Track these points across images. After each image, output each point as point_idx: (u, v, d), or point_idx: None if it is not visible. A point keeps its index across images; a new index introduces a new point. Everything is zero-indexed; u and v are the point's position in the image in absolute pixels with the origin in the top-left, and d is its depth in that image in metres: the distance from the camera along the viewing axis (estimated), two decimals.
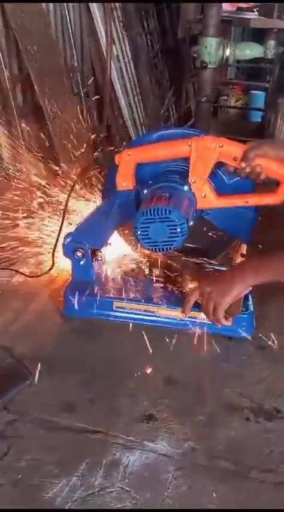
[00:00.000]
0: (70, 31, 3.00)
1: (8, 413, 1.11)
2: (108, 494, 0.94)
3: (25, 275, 1.64)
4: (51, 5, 2.89)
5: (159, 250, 1.24)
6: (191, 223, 1.27)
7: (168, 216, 1.19)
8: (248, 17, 3.14)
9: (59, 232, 1.54)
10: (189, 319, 1.35)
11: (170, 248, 1.23)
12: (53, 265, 1.60)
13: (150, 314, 1.39)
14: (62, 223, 1.54)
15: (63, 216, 1.54)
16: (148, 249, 1.27)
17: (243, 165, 1.22)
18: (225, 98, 4.75)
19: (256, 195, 1.32)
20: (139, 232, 1.22)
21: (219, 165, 1.29)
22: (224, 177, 1.37)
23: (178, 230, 1.19)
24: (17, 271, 1.66)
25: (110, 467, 0.99)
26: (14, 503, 0.91)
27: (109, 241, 1.48)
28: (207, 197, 1.31)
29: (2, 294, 1.61)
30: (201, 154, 1.25)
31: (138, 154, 1.32)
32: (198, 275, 1.37)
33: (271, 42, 3.03)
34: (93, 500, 0.92)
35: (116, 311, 1.40)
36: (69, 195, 1.53)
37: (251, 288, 1.22)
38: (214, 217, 1.39)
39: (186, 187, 1.29)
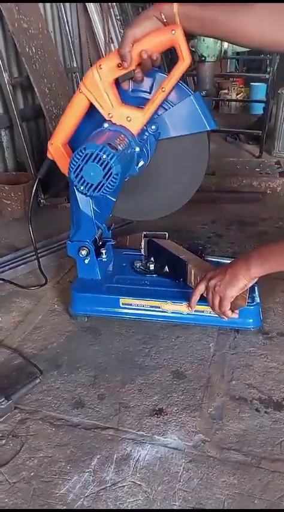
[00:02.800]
0: (68, 31, 3.00)
1: (19, 412, 1.12)
2: (120, 488, 0.94)
3: (18, 285, 1.66)
4: (47, 5, 2.90)
5: (107, 187, 1.18)
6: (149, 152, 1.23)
7: (83, 152, 1.14)
8: None
9: (34, 243, 1.53)
10: (196, 312, 1.36)
11: (114, 180, 1.16)
12: (45, 282, 1.65)
13: (156, 309, 1.39)
14: (31, 232, 1.51)
15: (30, 222, 1.50)
16: (103, 193, 1.20)
17: (127, 64, 1.16)
18: (226, 91, 4.74)
19: (166, 78, 1.23)
20: (77, 186, 1.20)
21: (118, 84, 1.25)
22: (127, 92, 1.29)
23: (104, 157, 1.13)
24: (10, 282, 1.67)
25: (121, 462, 1.00)
26: (27, 500, 0.92)
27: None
28: (132, 118, 1.25)
29: (10, 293, 1.63)
30: (92, 89, 1.22)
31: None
32: (203, 268, 1.37)
33: None
34: (105, 495, 0.93)
35: (123, 308, 1.41)
36: (31, 198, 1.48)
37: (256, 280, 1.22)
38: (164, 130, 1.32)
39: (106, 125, 1.25)
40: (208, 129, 1.31)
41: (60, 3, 2.93)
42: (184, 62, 1.19)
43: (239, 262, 1.21)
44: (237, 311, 1.28)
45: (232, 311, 1.26)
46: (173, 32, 1.14)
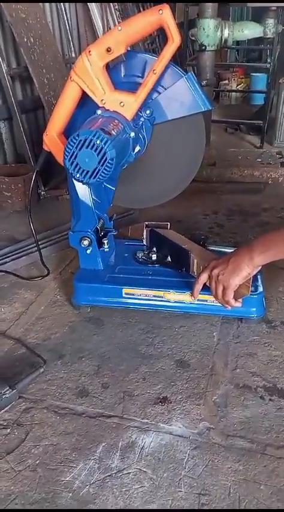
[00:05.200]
0: (66, 21, 2.97)
1: (23, 401, 1.12)
2: (126, 475, 0.95)
3: (20, 277, 1.65)
4: None
5: (103, 172, 1.17)
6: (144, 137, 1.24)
7: (77, 138, 1.14)
8: None
9: (34, 235, 1.53)
10: (199, 302, 1.35)
11: (109, 165, 1.15)
12: (48, 273, 1.64)
13: (159, 299, 1.38)
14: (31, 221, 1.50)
15: (30, 214, 1.49)
16: (100, 180, 1.18)
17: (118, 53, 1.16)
18: (226, 82, 4.70)
19: (157, 60, 1.22)
20: (73, 173, 1.18)
21: (109, 69, 1.24)
22: (119, 77, 1.29)
23: (98, 142, 1.12)
24: (11, 273, 1.67)
25: (126, 449, 1.00)
26: (33, 487, 0.92)
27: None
28: (124, 103, 1.23)
29: (13, 285, 1.62)
30: (83, 76, 1.21)
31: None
32: (206, 258, 1.37)
33: (270, 21, 2.97)
34: (111, 482, 0.93)
35: (125, 298, 1.40)
36: (31, 190, 1.49)
37: (260, 268, 1.21)
38: (159, 115, 1.30)
39: (99, 111, 1.24)
40: (203, 109, 1.29)
41: (61, 2, 2.90)
42: (174, 42, 1.18)
43: (242, 251, 1.21)
44: (240, 300, 1.28)
45: (236, 300, 1.26)
46: (161, 11, 1.13)
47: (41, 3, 2.70)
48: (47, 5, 2.86)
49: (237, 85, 4.75)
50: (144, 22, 1.19)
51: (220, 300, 1.27)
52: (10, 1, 2.27)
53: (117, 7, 3.55)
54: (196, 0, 2.75)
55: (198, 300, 1.35)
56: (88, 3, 3.21)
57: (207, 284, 1.29)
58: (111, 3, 3.40)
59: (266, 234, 1.21)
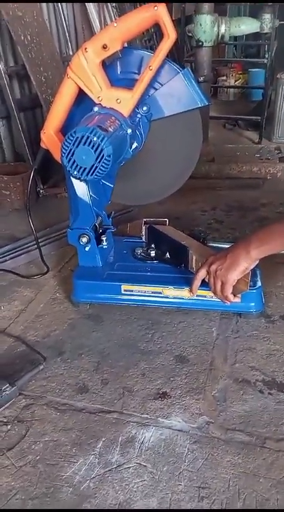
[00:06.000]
0: (63, 19, 2.97)
1: (23, 397, 1.13)
2: (126, 470, 0.95)
3: (20, 275, 1.66)
4: None
5: (100, 169, 1.17)
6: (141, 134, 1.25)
7: (74, 136, 1.14)
8: None
9: (34, 233, 1.53)
10: (197, 297, 1.36)
11: (107, 161, 1.16)
12: (47, 271, 1.65)
13: (158, 295, 1.39)
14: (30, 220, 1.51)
15: (29, 212, 1.50)
16: (97, 177, 1.19)
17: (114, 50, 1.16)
18: (224, 78, 4.69)
19: (153, 56, 1.22)
20: (70, 170, 1.19)
21: (105, 66, 1.24)
22: (116, 74, 1.29)
23: (95, 139, 1.13)
24: (11, 271, 1.67)
25: (126, 444, 1.01)
26: (34, 483, 0.93)
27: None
28: (121, 100, 1.23)
29: (12, 283, 1.63)
30: (80, 74, 1.21)
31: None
32: (204, 254, 1.37)
33: (267, 16, 2.97)
34: (111, 477, 0.94)
35: (124, 294, 1.41)
36: (29, 188, 1.49)
37: (257, 262, 1.21)
38: (156, 111, 1.31)
39: (95, 108, 1.24)
40: (200, 105, 1.29)
41: (58, 2, 2.89)
42: (169, 38, 1.18)
43: (239, 245, 1.21)
44: (239, 295, 1.28)
45: (234, 295, 1.26)
46: (156, 8, 1.14)
47: (37, 2, 2.70)
48: (43, 3, 2.85)
49: (235, 81, 4.74)
50: (139, 18, 1.19)
51: (219, 296, 1.27)
52: (9, 1, 2.27)
53: (114, 5, 3.55)
54: (194, 0, 2.74)
55: (197, 295, 1.35)
56: (85, 2, 3.21)
57: (206, 280, 1.29)
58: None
59: (263, 227, 1.21)
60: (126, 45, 1.25)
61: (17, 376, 1.15)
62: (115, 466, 0.96)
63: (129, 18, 1.20)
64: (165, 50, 1.20)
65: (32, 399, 1.13)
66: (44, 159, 1.39)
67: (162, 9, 1.15)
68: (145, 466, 0.96)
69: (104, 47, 1.19)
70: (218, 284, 1.24)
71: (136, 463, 0.97)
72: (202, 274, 1.28)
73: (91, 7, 3.22)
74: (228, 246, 1.30)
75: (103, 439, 1.02)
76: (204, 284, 1.30)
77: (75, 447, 1.00)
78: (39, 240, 1.64)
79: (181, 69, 1.28)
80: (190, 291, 1.34)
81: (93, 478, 0.94)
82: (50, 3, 2.91)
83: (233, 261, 1.20)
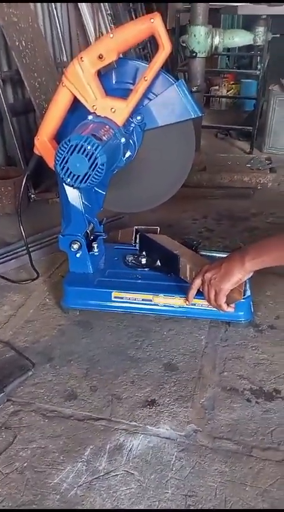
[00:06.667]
0: (58, 25, 2.99)
1: (11, 404, 1.12)
2: (113, 477, 0.95)
3: (9, 280, 1.65)
4: None
5: (94, 178, 1.18)
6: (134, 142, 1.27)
7: (68, 144, 1.15)
8: (236, 4, 3.13)
9: (24, 238, 1.53)
10: (187, 305, 1.36)
11: (100, 170, 1.17)
12: (37, 276, 1.65)
13: (148, 303, 1.39)
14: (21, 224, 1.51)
15: (20, 217, 1.49)
16: (90, 184, 1.20)
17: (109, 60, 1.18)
18: (217, 87, 4.75)
19: (148, 67, 1.23)
20: (64, 178, 1.20)
21: (100, 75, 1.26)
22: (111, 83, 1.31)
23: (89, 148, 1.14)
24: (1, 276, 1.67)
25: (114, 451, 1.01)
26: (21, 490, 0.92)
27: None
28: (116, 109, 1.25)
29: (1, 288, 1.62)
30: (75, 82, 1.22)
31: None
32: (196, 262, 1.38)
33: (260, 29, 3.02)
34: (98, 484, 0.94)
35: (114, 301, 1.41)
36: (21, 193, 1.48)
37: (252, 274, 1.22)
38: (150, 121, 1.32)
39: (90, 117, 1.26)
40: (193, 116, 1.31)
41: (52, 3, 2.91)
42: (165, 49, 1.20)
43: (235, 256, 1.22)
44: (233, 305, 1.28)
45: (228, 305, 1.26)
46: (152, 20, 1.16)
47: (32, 7, 2.71)
48: (39, 8, 2.87)
49: (227, 91, 4.80)
50: (135, 30, 1.21)
51: (213, 304, 1.27)
52: (6, 1, 2.28)
53: (109, 12, 3.58)
54: (189, 0, 2.77)
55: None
56: (80, 8, 3.23)
57: (200, 289, 1.30)
58: (102, 8, 3.43)
59: (260, 240, 1.22)
60: (121, 55, 1.27)
61: (5, 382, 1.15)
62: (102, 473, 0.96)
63: (125, 30, 1.21)
64: (160, 62, 1.22)
65: (20, 405, 1.12)
66: (36, 164, 1.40)
67: (157, 22, 1.17)
68: (132, 473, 0.96)
69: (100, 57, 1.20)
70: (212, 293, 1.25)
71: (124, 470, 0.97)
72: (197, 283, 1.29)
73: (86, 13, 3.25)
74: (222, 255, 1.32)
75: (91, 447, 1.02)
76: (197, 293, 1.31)
77: (62, 454, 1.00)
78: (29, 245, 1.64)
79: (175, 80, 1.30)
80: (186, 299, 1.34)
81: (81, 485, 0.94)
82: (45, 9, 2.93)
83: (228, 271, 1.21)
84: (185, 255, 1.43)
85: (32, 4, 2.71)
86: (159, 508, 0.89)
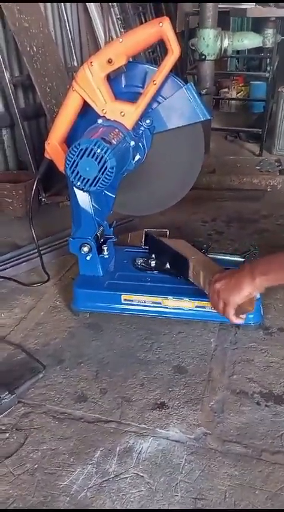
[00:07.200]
0: (68, 30, 3.02)
1: (22, 406, 1.14)
2: (123, 480, 0.96)
3: (21, 283, 1.67)
4: (48, 4, 2.91)
5: (104, 181, 1.19)
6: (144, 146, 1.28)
7: (78, 147, 1.16)
8: (245, 6, 3.13)
9: (36, 241, 1.54)
10: (197, 308, 1.37)
11: (110, 173, 1.18)
12: (48, 279, 1.66)
13: (157, 305, 1.40)
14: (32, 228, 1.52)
15: (31, 221, 1.51)
16: (100, 188, 1.21)
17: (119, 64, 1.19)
18: (226, 90, 4.74)
19: (157, 71, 1.24)
20: (74, 181, 1.21)
21: (110, 79, 1.27)
22: (120, 87, 1.32)
23: (98, 151, 1.15)
24: (11, 279, 1.68)
25: (124, 454, 1.01)
26: (31, 491, 0.93)
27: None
28: (125, 113, 1.26)
29: (13, 290, 1.64)
30: (85, 86, 1.24)
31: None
32: (205, 265, 1.37)
33: (269, 31, 3.01)
34: (108, 487, 0.94)
35: (124, 304, 1.42)
36: (32, 197, 1.51)
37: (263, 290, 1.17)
38: (159, 124, 1.33)
39: (100, 121, 1.27)
40: (202, 119, 1.32)
41: (60, 3, 2.94)
42: (173, 53, 1.21)
43: (246, 269, 1.17)
44: (243, 316, 1.24)
45: (237, 316, 1.21)
46: (161, 24, 1.17)
47: (43, 12, 2.74)
48: (49, 14, 2.90)
49: (237, 93, 4.79)
50: (144, 34, 1.22)
51: (222, 314, 1.23)
52: (12, 1, 2.30)
53: (119, 16, 3.60)
54: (198, 0, 2.78)
55: (196, 306, 1.36)
56: (90, 13, 3.26)
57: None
58: (113, 14, 3.45)
59: (272, 255, 1.15)
60: (130, 59, 1.28)
61: (17, 384, 1.16)
62: (112, 475, 0.97)
63: (134, 34, 1.23)
64: (169, 65, 1.22)
65: (31, 407, 1.14)
66: (46, 168, 1.42)
67: (166, 26, 1.18)
68: (142, 476, 0.96)
69: (109, 61, 1.21)
70: (220, 304, 1.21)
71: (134, 473, 0.97)
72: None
73: (96, 18, 3.27)
74: (228, 258, 1.30)
75: (101, 449, 1.03)
76: (204, 295, 1.31)
77: (73, 456, 1.01)
78: (40, 248, 1.66)
79: (184, 83, 1.30)
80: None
81: (90, 487, 0.94)
82: (55, 14, 2.96)
83: (237, 284, 1.16)
84: (200, 262, 1.39)
85: (43, 9, 2.75)
86: (169, 508, 0.89)
